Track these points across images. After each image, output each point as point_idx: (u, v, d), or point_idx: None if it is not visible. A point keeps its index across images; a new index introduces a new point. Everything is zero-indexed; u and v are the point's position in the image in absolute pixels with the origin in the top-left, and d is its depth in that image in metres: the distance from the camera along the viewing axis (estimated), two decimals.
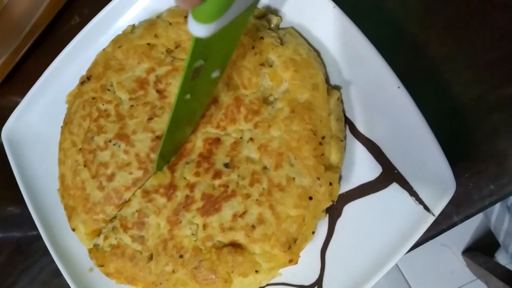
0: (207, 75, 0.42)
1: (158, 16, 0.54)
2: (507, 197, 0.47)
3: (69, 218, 0.55)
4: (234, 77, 0.51)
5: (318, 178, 0.46)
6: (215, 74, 0.43)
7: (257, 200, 0.47)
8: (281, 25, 0.53)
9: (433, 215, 0.44)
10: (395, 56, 0.47)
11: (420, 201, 0.45)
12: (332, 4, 0.48)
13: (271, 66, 0.50)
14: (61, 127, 0.57)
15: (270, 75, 0.49)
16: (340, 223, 0.49)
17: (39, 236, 0.58)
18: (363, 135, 0.49)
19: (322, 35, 0.50)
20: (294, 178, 0.47)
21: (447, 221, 0.48)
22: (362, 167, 0.49)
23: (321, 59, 0.50)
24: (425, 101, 0.46)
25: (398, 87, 0.45)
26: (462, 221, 0.48)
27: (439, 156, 0.44)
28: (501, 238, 0.96)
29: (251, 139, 0.48)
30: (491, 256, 1.50)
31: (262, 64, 0.50)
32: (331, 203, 0.48)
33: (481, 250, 1.50)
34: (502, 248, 1.00)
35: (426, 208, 0.45)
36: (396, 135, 0.47)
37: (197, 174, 0.49)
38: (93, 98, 0.54)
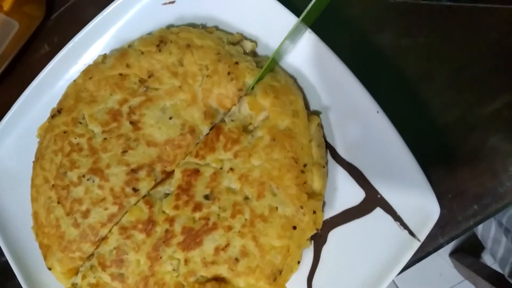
0: None
1: (130, 45, 0.53)
2: (491, 216, 0.47)
3: (45, 257, 0.53)
4: (212, 105, 0.49)
5: (302, 207, 0.45)
6: None
7: (239, 232, 0.46)
8: (257, 51, 0.52)
9: (419, 240, 0.44)
10: (373, 80, 0.46)
11: (405, 226, 0.44)
12: (308, 29, 0.47)
13: (250, 93, 0.49)
14: (33, 162, 0.55)
15: (250, 104, 0.48)
16: (325, 250, 0.48)
17: (14, 274, 0.56)
18: (344, 160, 0.48)
19: (299, 61, 0.49)
20: (277, 208, 0.46)
21: (433, 243, 0.48)
22: (345, 193, 0.48)
23: (298, 85, 0.50)
24: (405, 123, 0.46)
25: (377, 112, 0.45)
26: (447, 242, 0.48)
27: (421, 180, 0.44)
28: (488, 246, 0.97)
29: (231, 169, 0.47)
30: (478, 257, 1.52)
31: (240, 89, 0.49)
32: (315, 231, 0.47)
33: (468, 251, 1.52)
34: (489, 252, 1.01)
35: (411, 233, 0.44)
36: (377, 159, 0.46)
37: (176, 207, 0.48)
38: (65, 132, 0.52)
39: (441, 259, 1.57)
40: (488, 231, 0.96)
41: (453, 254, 1.54)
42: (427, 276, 1.58)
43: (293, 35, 0.47)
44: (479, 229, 0.99)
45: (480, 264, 1.38)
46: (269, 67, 0.49)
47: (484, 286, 1.22)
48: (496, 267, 1.28)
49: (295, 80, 0.50)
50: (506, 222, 0.90)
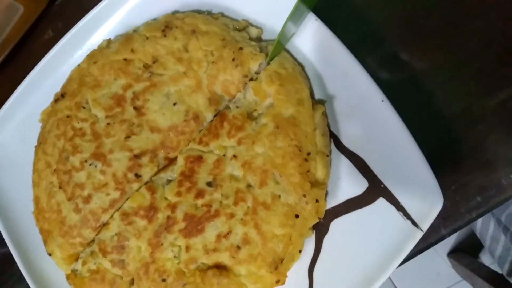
0: None
1: (135, 30, 0.53)
2: (494, 209, 0.47)
3: (45, 242, 0.53)
4: (216, 91, 0.49)
5: (304, 195, 0.45)
6: None
7: (241, 219, 0.45)
8: (263, 37, 0.52)
9: (421, 230, 0.43)
10: (379, 69, 0.46)
11: (408, 216, 0.44)
12: (314, 17, 0.47)
13: (256, 78, 0.49)
14: (35, 147, 0.54)
15: (254, 89, 0.48)
16: (327, 240, 0.48)
17: (14, 260, 0.56)
18: (348, 149, 0.48)
19: (304, 49, 0.49)
20: (279, 196, 0.45)
21: (435, 234, 0.48)
22: (348, 182, 0.48)
23: (305, 73, 0.49)
24: (410, 114, 0.45)
25: (383, 101, 0.45)
26: (450, 234, 0.47)
27: (425, 170, 0.43)
28: (487, 244, 0.97)
29: (234, 156, 0.47)
30: (476, 257, 1.52)
31: (245, 76, 0.49)
32: (318, 220, 0.46)
33: (466, 251, 1.52)
34: (487, 250, 1.01)
35: (414, 223, 0.44)
36: (382, 149, 0.46)
37: (178, 194, 0.47)
38: (68, 116, 0.52)
39: (439, 258, 1.57)
40: (486, 229, 0.95)
41: (451, 253, 1.54)
42: (425, 275, 1.58)
43: (295, 18, 0.47)
44: (478, 227, 0.99)
45: (478, 264, 1.38)
46: (276, 51, 0.48)
47: (482, 286, 1.22)
48: (494, 267, 1.28)
49: (303, 67, 0.50)
50: (505, 220, 0.90)
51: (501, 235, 0.91)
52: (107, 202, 0.49)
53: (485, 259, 1.52)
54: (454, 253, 1.52)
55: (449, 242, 1.55)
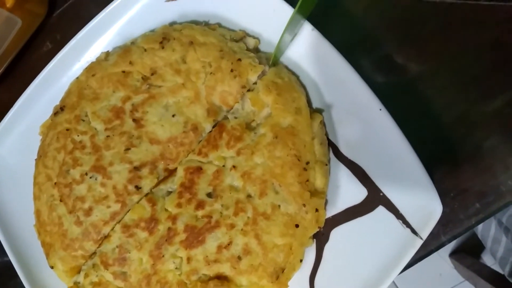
0: None
1: (133, 42, 0.53)
2: (493, 215, 0.47)
3: (47, 255, 0.53)
4: (215, 102, 0.49)
5: (304, 205, 0.45)
6: None
7: (242, 230, 0.46)
8: (260, 48, 0.52)
9: (421, 238, 0.44)
10: (376, 77, 0.46)
11: (407, 224, 0.44)
12: (311, 27, 0.47)
13: (253, 89, 0.49)
14: (35, 160, 0.54)
15: (252, 100, 0.48)
16: (328, 249, 0.48)
17: (16, 272, 0.56)
18: (347, 158, 0.48)
19: (301, 58, 0.49)
20: (279, 206, 0.46)
21: (435, 241, 0.48)
22: (348, 191, 0.48)
23: (301, 82, 0.50)
24: (408, 121, 0.46)
25: (380, 109, 0.45)
26: (449, 241, 0.48)
27: (423, 178, 0.44)
28: (488, 245, 0.97)
29: (234, 166, 0.47)
30: (478, 257, 1.52)
31: (244, 87, 0.49)
32: (318, 230, 0.47)
33: (468, 251, 1.52)
34: (489, 252, 1.01)
35: (414, 231, 0.44)
36: (380, 157, 0.46)
37: (179, 205, 0.47)
38: (67, 130, 0.52)
39: (441, 259, 1.57)
40: (488, 230, 0.96)
41: (453, 254, 1.54)
42: (427, 276, 1.58)
43: (291, 28, 0.47)
44: (479, 229, 0.99)
45: (480, 264, 1.38)
46: (273, 63, 0.49)
47: (484, 286, 1.22)
48: (496, 267, 1.28)
49: (297, 77, 0.50)
50: (506, 221, 0.90)
51: (503, 237, 0.91)
52: (108, 214, 0.49)
53: (487, 259, 1.52)
54: (456, 254, 1.52)
55: (451, 243, 1.55)
